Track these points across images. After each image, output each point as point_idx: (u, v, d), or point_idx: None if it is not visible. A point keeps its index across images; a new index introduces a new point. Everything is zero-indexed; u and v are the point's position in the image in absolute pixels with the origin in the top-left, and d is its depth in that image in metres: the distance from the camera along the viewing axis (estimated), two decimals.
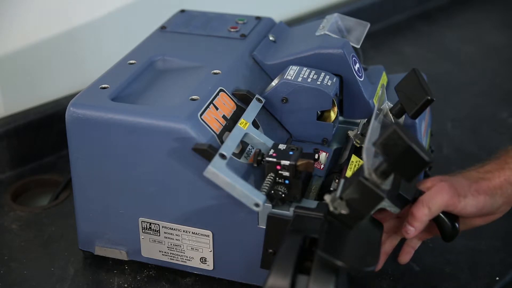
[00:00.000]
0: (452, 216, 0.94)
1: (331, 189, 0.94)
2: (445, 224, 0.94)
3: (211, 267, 0.99)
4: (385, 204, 0.90)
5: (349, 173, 0.95)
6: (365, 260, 0.83)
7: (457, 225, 0.95)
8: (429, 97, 0.93)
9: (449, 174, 0.97)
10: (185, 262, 0.99)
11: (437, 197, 0.91)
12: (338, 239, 0.85)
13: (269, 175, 0.91)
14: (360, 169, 0.85)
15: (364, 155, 0.82)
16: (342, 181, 0.88)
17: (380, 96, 0.98)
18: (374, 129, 0.88)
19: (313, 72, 1.03)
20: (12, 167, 1.28)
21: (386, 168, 0.82)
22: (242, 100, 1.01)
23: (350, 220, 0.86)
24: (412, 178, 0.81)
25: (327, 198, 0.86)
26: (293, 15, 1.75)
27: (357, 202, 0.84)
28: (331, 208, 0.85)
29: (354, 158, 0.98)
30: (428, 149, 1.16)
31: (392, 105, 1.01)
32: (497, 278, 1.02)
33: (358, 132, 1.03)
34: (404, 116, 1.02)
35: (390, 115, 0.98)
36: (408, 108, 0.96)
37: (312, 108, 1.02)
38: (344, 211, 0.85)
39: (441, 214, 0.94)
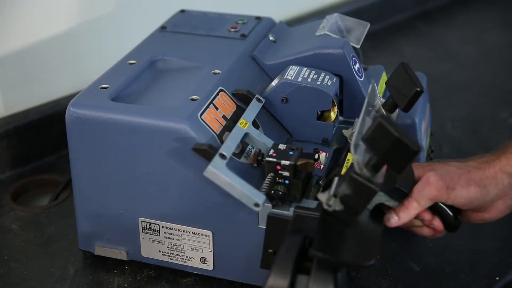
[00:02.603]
0: (454, 207, 0.94)
1: (321, 185, 0.95)
2: (447, 215, 0.94)
3: (211, 267, 0.99)
4: (383, 198, 0.90)
5: (344, 171, 0.95)
6: (363, 256, 0.83)
7: (459, 216, 0.95)
8: (418, 89, 0.93)
9: (444, 160, 0.96)
10: (185, 262, 0.99)
11: (424, 190, 0.90)
12: (335, 237, 0.85)
13: (269, 175, 0.91)
14: (352, 166, 0.85)
15: (352, 151, 0.82)
16: (335, 179, 0.88)
17: (370, 92, 0.98)
18: (362, 124, 0.88)
19: (313, 72, 1.03)
20: (12, 167, 1.28)
21: (376, 161, 0.83)
22: (242, 100, 1.01)
23: (346, 216, 0.87)
24: (402, 170, 0.82)
25: (321, 196, 0.86)
26: (293, 15, 1.75)
27: (351, 198, 0.85)
28: (325, 206, 0.86)
29: (350, 156, 0.98)
30: (428, 149, 1.16)
31: (384, 101, 1.01)
32: (497, 278, 1.02)
33: (353, 131, 1.03)
34: (403, 114, 1.02)
35: (383, 110, 0.98)
36: (400, 102, 0.96)
37: (312, 108, 1.02)
38: (338, 208, 0.85)
39: (442, 205, 0.93)
